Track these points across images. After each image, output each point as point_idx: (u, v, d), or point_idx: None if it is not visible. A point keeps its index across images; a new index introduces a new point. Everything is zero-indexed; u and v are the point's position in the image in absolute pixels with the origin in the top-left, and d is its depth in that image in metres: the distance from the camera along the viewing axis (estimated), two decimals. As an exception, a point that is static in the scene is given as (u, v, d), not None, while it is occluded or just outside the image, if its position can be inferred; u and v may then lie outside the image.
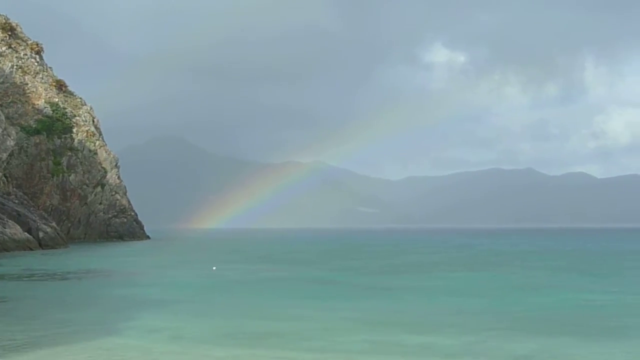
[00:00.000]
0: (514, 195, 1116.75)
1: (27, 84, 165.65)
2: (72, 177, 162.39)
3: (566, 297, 45.59)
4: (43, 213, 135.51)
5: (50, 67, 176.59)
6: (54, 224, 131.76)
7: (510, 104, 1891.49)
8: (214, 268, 72.25)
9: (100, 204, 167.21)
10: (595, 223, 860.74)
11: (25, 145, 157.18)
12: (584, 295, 46.11)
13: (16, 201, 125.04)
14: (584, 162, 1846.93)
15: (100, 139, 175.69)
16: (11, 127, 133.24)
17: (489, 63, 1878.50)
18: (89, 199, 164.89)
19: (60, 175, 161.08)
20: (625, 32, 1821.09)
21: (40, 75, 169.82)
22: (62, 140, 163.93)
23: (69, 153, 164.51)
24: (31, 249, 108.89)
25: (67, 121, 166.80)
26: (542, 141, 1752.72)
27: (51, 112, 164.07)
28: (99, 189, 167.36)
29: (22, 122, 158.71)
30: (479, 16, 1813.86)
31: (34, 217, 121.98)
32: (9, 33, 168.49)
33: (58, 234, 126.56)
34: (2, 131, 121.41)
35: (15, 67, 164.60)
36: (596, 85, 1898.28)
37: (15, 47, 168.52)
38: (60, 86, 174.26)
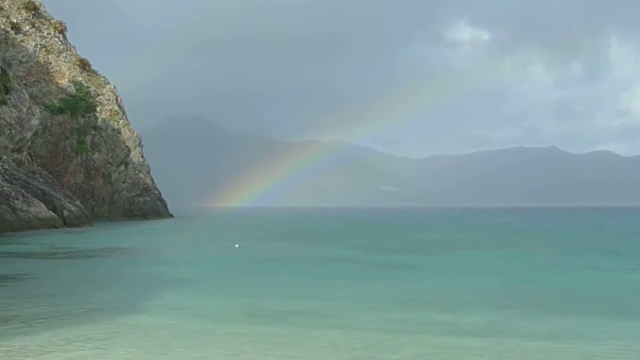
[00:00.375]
0: (538, 173, 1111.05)
1: (50, 63, 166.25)
2: (96, 155, 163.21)
3: (587, 275, 45.49)
4: (67, 192, 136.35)
5: (73, 46, 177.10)
6: (78, 202, 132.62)
7: (534, 83, 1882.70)
8: (237, 245, 72.53)
9: (124, 182, 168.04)
10: (620, 201, 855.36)
11: (50, 124, 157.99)
12: (605, 274, 45.96)
13: (41, 180, 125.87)
14: (609, 140, 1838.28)
15: (124, 117, 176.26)
16: (35, 106, 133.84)
17: (514, 41, 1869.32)
18: (112, 178, 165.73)
19: (84, 153, 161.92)
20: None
21: (64, 54, 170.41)
22: (86, 119, 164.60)
23: (93, 132, 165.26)
24: (56, 227, 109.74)
25: (91, 100, 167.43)
26: (567, 119, 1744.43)
27: (75, 91, 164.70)
28: (122, 167, 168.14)
29: (46, 101, 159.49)
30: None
31: (58, 196, 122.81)
32: (32, 12, 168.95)
33: (82, 212, 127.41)
34: (27, 110, 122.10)
35: (39, 46, 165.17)
36: (621, 63, 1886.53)
37: (38, 26, 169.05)
38: (84, 65, 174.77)
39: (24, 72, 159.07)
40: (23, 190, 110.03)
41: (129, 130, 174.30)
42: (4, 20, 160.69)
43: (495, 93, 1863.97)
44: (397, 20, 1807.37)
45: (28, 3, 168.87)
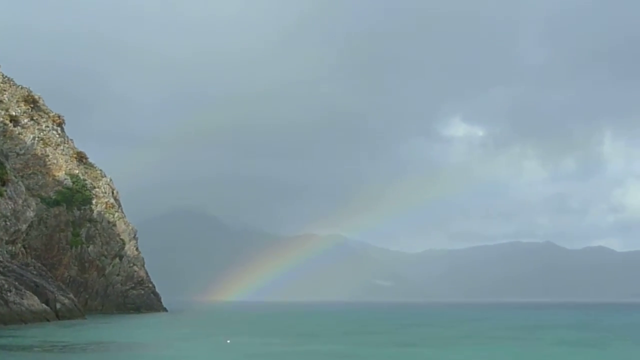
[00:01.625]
0: (533, 268, 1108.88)
1: (48, 155, 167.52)
2: (90, 248, 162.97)
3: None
4: (61, 284, 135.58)
5: (71, 139, 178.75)
6: (71, 295, 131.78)
7: (529, 178, 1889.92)
8: (228, 341, 72.10)
9: (118, 275, 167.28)
10: (616, 297, 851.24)
11: (45, 216, 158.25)
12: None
13: (34, 272, 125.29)
14: (604, 235, 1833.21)
15: (120, 210, 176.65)
16: (31, 198, 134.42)
17: (508, 137, 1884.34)
18: (107, 271, 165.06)
19: (79, 246, 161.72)
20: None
21: (61, 147, 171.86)
22: (82, 211, 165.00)
23: (88, 224, 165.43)
24: (48, 320, 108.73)
25: (87, 193, 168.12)
26: (561, 214, 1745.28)
27: (71, 183, 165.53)
28: (117, 260, 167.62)
29: (42, 194, 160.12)
30: (496, 90, 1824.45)
31: (51, 288, 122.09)
32: (32, 105, 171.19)
33: (75, 305, 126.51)
34: (22, 202, 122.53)
35: (36, 138, 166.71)
36: (614, 159, 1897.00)
37: (37, 119, 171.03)
38: (81, 158, 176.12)
39: (21, 164, 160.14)
40: (16, 283, 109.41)
41: (124, 223, 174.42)
42: (2, 113, 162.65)
43: (491, 188, 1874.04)
44: (395, 115, 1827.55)
45: (27, 96, 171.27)
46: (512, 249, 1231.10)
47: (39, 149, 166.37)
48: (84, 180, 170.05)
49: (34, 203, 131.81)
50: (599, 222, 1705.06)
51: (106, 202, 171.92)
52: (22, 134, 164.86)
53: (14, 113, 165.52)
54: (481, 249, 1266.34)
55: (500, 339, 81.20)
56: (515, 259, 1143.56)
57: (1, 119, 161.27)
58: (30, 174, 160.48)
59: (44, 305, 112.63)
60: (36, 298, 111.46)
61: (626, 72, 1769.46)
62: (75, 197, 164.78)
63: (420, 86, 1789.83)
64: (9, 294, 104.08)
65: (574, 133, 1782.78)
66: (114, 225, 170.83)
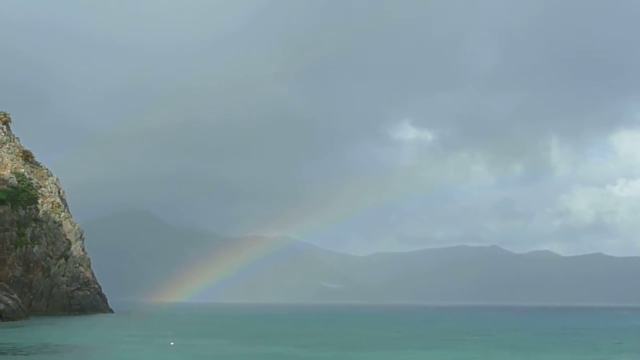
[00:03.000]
0: (480, 271, 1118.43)
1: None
2: (35, 248, 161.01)
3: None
4: (5, 285, 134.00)
5: (17, 138, 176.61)
6: (15, 295, 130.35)
7: (477, 182, 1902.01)
8: (172, 343, 72.15)
9: (64, 276, 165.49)
10: (560, 301, 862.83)
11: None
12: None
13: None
14: (549, 240, 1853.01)
15: (66, 210, 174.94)
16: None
17: (457, 142, 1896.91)
18: (52, 271, 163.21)
19: (24, 246, 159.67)
20: (587, 112, 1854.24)
21: (7, 146, 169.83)
22: (27, 211, 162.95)
23: (34, 224, 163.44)
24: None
25: (33, 192, 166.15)
26: (508, 219, 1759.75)
27: (17, 182, 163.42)
28: (62, 260, 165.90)
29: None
30: (445, 94, 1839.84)
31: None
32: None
33: (19, 306, 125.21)
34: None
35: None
36: (561, 165, 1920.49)
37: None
38: (27, 157, 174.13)
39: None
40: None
41: (71, 223, 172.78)
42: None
43: (439, 192, 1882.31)
44: (344, 118, 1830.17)
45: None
46: (459, 252, 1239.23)
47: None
48: (30, 179, 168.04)
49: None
50: (545, 227, 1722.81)
51: (52, 202, 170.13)
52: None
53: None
54: (429, 253, 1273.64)
55: (443, 342, 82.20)
56: (462, 263, 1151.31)
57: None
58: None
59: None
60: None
61: (573, 78, 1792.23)
62: (21, 196, 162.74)
63: (369, 89, 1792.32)
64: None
65: (522, 138, 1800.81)
66: (60, 225, 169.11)
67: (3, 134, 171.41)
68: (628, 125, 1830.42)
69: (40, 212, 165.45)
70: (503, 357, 62.13)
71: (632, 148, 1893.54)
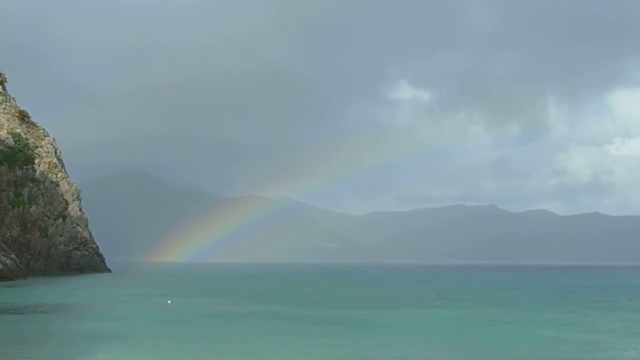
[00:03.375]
0: (477, 231, 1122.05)
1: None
2: (33, 208, 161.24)
3: (514, 331, 46.56)
4: (2, 245, 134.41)
5: (13, 98, 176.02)
6: (13, 255, 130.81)
7: (474, 142, 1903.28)
8: (169, 302, 72.72)
9: (61, 236, 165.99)
10: (557, 260, 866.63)
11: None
12: (529, 330, 47.12)
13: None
14: (546, 199, 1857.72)
15: (63, 170, 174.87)
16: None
17: (454, 102, 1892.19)
18: (49, 231, 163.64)
19: (21, 206, 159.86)
20: (584, 71, 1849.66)
21: (3, 106, 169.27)
22: (24, 171, 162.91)
23: (31, 184, 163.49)
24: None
25: (29, 152, 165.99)
26: (505, 179, 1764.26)
27: (13, 142, 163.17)
28: (60, 220, 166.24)
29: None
30: (442, 54, 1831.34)
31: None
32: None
33: (17, 266, 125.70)
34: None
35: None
36: (558, 124, 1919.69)
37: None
38: (23, 117, 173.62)
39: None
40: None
41: (68, 184, 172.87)
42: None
43: (436, 152, 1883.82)
44: (341, 78, 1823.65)
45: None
46: (456, 212, 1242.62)
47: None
48: (26, 139, 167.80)
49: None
50: (542, 186, 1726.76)
51: (49, 162, 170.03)
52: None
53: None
54: (426, 212, 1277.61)
55: (437, 301, 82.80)
56: (459, 223, 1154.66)
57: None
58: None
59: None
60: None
61: (570, 38, 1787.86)
62: (17, 156, 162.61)
63: (366, 49, 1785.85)
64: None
65: (519, 98, 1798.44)
66: (57, 185, 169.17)
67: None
68: (625, 84, 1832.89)
69: (37, 172, 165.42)
70: (497, 314, 62.61)
71: (629, 107, 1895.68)
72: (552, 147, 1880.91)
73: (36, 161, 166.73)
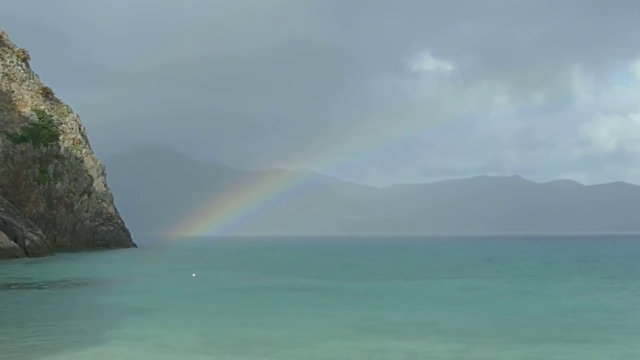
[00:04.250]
0: (501, 201, 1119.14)
1: (13, 91, 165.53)
2: (58, 184, 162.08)
3: (545, 303, 46.26)
4: (29, 221, 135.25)
5: (36, 75, 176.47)
6: (40, 232, 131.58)
7: (498, 112, 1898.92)
8: (194, 275, 72.97)
9: (87, 211, 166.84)
10: (582, 230, 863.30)
11: (12, 152, 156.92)
12: (559, 301, 46.85)
13: (2, 209, 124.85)
14: (571, 169, 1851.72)
15: (87, 146, 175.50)
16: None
17: (477, 72, 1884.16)
18: (75, 207, 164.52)
19: (47, 183, 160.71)
20: (609, 41, 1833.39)
21: (27, 83, 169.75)
22: (49, 147, 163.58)
23: (55, 161, 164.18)
24: (17, 257, 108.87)
25: (54, 129, 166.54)
26: (529, 149, 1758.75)
27: (37, 119, 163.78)
28: (85, 196, 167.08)
29: (8, 130, 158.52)
30: (465, 25, 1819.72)
31: (20, 225, 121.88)
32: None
33: (44, 242, 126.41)
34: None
35: (1, 74, 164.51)
36: (582, 94, 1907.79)
37: (1, 54, 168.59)
38: (47, 94, 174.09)
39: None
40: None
41: (92, 159, 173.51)
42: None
43: (459, 123, 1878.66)
44: (364, 50, 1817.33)
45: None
46: (479, 183, 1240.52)
47: (3, 85, 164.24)
48: (50, 116, 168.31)
49: (0, 139, 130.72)
50: (567, 156, 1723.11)
51: (73, 138, 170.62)
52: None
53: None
54: (449, 183, 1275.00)
55: (468, 271, 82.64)
56: (483, 194, 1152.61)
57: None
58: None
59: (12, 242, 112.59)
60: (4, 235, 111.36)
61: (595, 8, 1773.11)
62: (42, 133, 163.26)
63: (389, 21, 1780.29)
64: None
65: (543, 67, 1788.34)
66: (82, 161, 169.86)
67: (22, 71, 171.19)
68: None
69: (62, 148, 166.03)
70: (515, 284, 62.34)
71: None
72: (577, 117, 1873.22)
73: (60, 137, 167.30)
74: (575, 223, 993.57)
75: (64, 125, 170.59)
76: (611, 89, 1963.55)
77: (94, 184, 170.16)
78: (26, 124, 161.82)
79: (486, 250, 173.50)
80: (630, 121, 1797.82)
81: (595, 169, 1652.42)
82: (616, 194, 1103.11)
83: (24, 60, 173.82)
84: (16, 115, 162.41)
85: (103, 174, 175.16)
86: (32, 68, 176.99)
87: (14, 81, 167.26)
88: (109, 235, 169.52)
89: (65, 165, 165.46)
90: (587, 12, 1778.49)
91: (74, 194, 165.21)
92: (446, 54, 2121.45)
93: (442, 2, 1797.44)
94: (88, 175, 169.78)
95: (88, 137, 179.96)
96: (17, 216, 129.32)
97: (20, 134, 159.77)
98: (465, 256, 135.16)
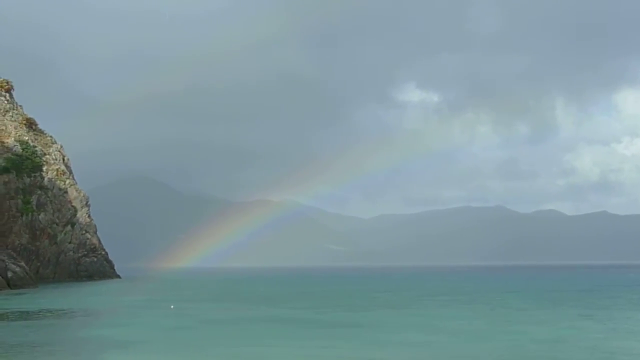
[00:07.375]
0: (484, 232, 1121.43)
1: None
2: (41, 215, 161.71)
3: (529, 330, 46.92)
4: (12, 252, 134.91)
5: (20, 105, 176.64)
6: (22, 263, 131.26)
7: (482, 143, 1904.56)
8: (172, 307, 73.24)
9: (70, 242, 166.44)
10: (566, 260, 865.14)
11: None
12: (544, 329, 47.47)
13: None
14: (554, 199, 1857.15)
15: (71, 177, 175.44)
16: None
17: (462, 103, 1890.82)
18: (58, 238, 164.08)
19: (30, 214, 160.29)
20: (591, 72, 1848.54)
21: (10, 114, 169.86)
22: (32, 178, 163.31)
23: (39, 191, 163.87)
24: (0, 289, 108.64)
25: (37, 159, 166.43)
26: (513, 179, 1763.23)
27: (21, 150, 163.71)
28: (69, 227, 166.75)
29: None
30: (450, 56, 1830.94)
31: (2, 257, 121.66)
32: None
33: (27, 273, 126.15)
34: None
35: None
36: (566, 124, 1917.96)
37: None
38: (31, 124, 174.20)
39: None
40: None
41: (76, 190, 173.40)
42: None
43: (444, 153, 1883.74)
44: (349, 81, 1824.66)
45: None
46: (464, 213, 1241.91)
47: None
48: (34, 146, 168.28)
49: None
50: (550, 186, 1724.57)
51: (57, 169, 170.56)
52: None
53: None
54: (433, 214, 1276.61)
55: (446, 302, 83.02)
56: (466, 224, 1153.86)
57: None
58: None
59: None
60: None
61: (578, 38, 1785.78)
62: (25, 164, 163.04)
63: (374, 52, 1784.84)
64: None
65: (526, 98, 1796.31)
66: (65, 192, 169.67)
67: (6, 101, 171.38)
68: (631, 83, 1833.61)
69: (45, 179, 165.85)
70: (508, 316, 62.84)
71: (636, 106, 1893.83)
72: (560, 147, 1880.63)
73: (44, 168, 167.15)
74: (560, 253, 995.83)
75: (47, 156, 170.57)
76: (594, 119, 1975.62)
77: (77, 215, 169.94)
78: (9, 155, 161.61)
79: (478, 279, 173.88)
80: (613, 151, 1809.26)
81: (578, 198, 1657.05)
82: (600, 224, 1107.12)
83: (8, 90, 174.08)
84: None
85: (87, 204, 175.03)
86: (16, 98, 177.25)
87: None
88: (93, 266, 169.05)
89: (48, 196, 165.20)
90: (568, 43, 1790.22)
91: (57, 225, 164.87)
92: (431, 85, 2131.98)
93: (426, 34, 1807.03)
94: (72, 206, 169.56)
95: (72, 167, 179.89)
96: (0, 248, 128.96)
97: (3, 164, 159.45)
98: (454, 285, 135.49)
